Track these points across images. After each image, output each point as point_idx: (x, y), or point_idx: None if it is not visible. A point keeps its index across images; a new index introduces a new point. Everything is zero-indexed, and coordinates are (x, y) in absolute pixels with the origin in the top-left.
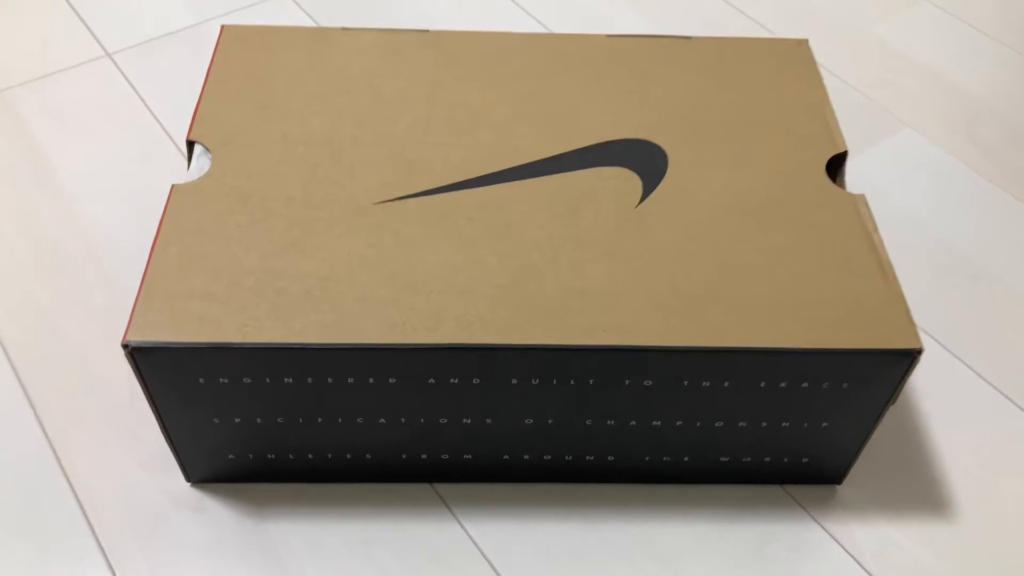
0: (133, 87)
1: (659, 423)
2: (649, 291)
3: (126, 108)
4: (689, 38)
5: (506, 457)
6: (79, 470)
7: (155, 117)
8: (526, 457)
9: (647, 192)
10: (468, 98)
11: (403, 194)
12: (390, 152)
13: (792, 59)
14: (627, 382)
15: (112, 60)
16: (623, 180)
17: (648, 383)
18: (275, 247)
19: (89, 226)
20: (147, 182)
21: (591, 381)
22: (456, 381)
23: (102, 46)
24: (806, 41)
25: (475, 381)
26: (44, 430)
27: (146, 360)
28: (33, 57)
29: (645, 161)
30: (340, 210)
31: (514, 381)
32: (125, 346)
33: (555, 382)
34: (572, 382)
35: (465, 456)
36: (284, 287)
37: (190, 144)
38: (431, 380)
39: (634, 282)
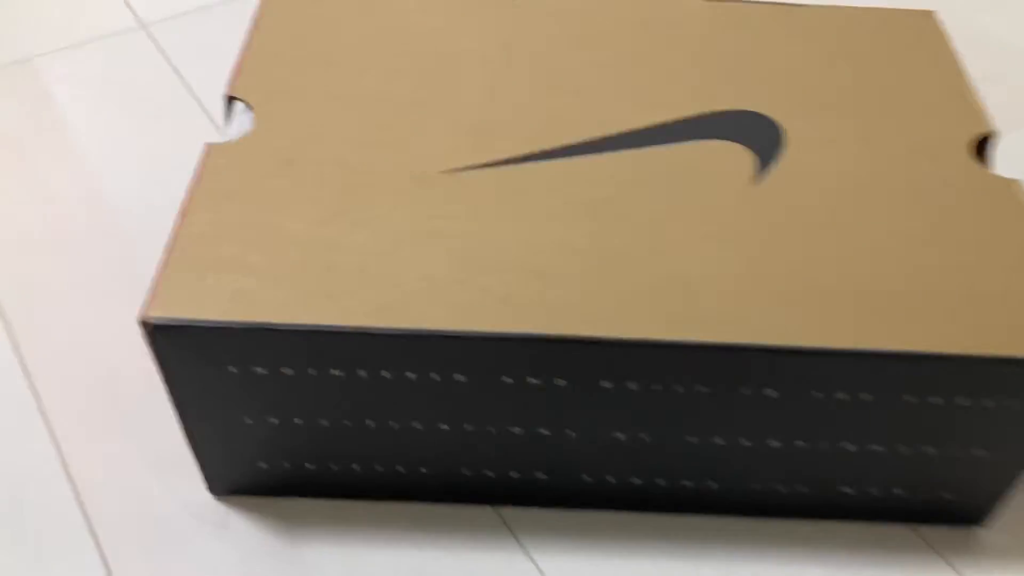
0: (168, 60)
1: (778, 443)
2: (773, 281)
3: (159, 81)
4: (800, 5)
5: (587, 478)
6: (85, 476)
7: (190, 91)
8: (611, 480)
9: (762, 169)
10: (546, 61)
11: (473, 163)
12: (458, 117)
13: (917, 31)
14: (745, 391)
15: (147, 31)
16: (733, 155)
17: (771, 393)
18: (325, 216)
19: (112, 203)
20: (178, 159)
21: (700, 388)
22: (536, 381)
23: (136, 16)
24: (931, 13)
25: (558, 382)
26: (49, 428)
27: (168, 341)
28: (62, 25)
29: (757, 135)
30: (400, 178)
31: (606, 384)
32: (143, 323)
33: (657, 388)
34: (678, 388)
35: (538, 475)
36: (335, 261)
37: (229, 100)
38: (506, 378)
39: (754, 270)
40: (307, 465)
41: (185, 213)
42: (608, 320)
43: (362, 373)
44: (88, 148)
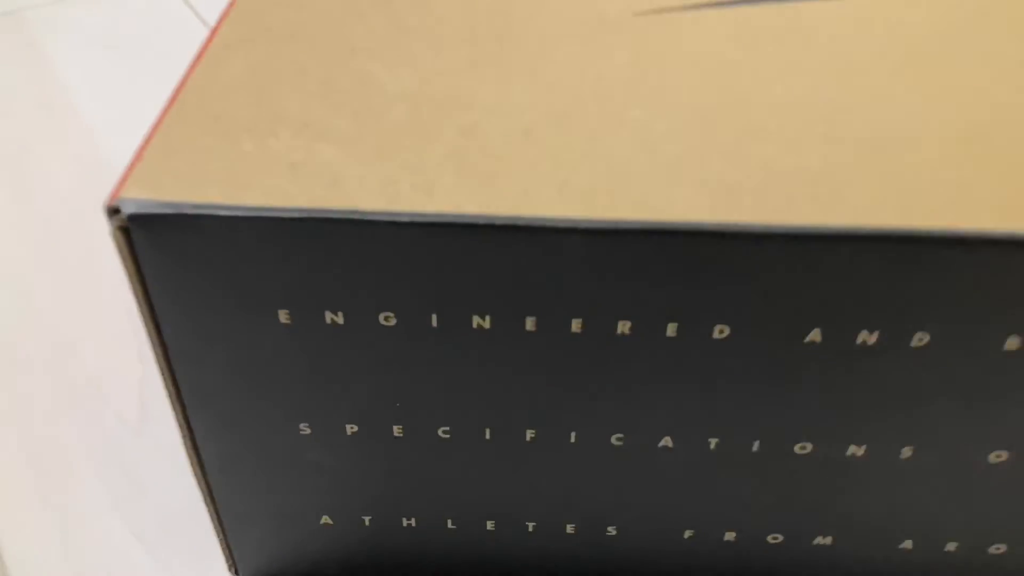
0: (197, 15)
1: None
2: None
3: (187, 36)
4: None
5: (906, 545)
6: (31, 548)
7: None
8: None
9: None
10: None
11: (693, 2)
12: None
13: None
14: None
15: None
16: None
17: None
18: (449, 64)
19: (112, 179)
20: None
21: None
22: (873, 341)
23: None
24: None
25: (918, 340)
26: None
27: (157, 249)
28: None
29: None
30: (570, 21)
31: (1009, 347)
32: (114, 211)
33: None
34: None
35: (818, 540)
36: (473, 123)
37: None
38: (806, 337)
39: None
40: (406, 520)
41: (204, 54)
42: (998, 214)
43: (530, 325)
44: (83, 112)
